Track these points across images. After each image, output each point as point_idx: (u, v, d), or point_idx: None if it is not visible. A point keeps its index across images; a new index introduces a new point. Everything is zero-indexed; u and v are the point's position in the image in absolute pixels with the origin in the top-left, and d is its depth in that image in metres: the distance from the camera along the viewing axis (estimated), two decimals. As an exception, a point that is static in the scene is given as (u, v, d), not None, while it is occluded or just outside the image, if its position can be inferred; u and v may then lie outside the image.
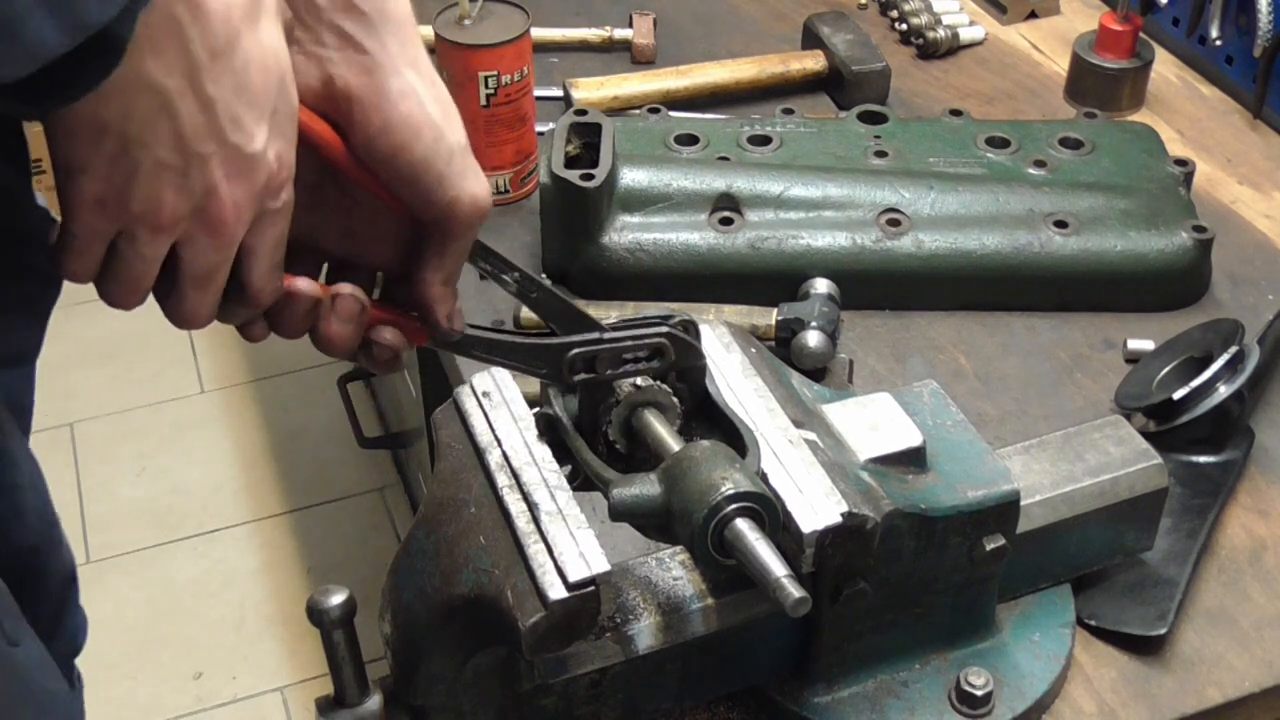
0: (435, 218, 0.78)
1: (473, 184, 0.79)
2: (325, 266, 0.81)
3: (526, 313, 1.31)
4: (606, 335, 0.87)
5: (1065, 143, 1.47)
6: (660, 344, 0.88)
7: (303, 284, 0.75)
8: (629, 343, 0.87)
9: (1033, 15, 1.85)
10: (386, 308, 0.80)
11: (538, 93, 1.57)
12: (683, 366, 0.89)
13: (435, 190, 0.77)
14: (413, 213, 0.78)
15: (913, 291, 1.37)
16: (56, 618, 1.13)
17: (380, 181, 0.77)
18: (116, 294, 0.71)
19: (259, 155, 0.69)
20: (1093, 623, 1.07)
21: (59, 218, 0.70)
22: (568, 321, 0.87)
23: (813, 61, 1.68)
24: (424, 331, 0.81)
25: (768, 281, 1.35)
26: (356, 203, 0.79)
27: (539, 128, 1.53)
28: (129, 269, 0.70)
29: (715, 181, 1.38)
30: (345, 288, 0.77)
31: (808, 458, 0.89)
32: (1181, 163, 1.45)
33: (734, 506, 0.79)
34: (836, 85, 1.67)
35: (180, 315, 0.73)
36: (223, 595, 2.43)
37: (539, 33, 1.70)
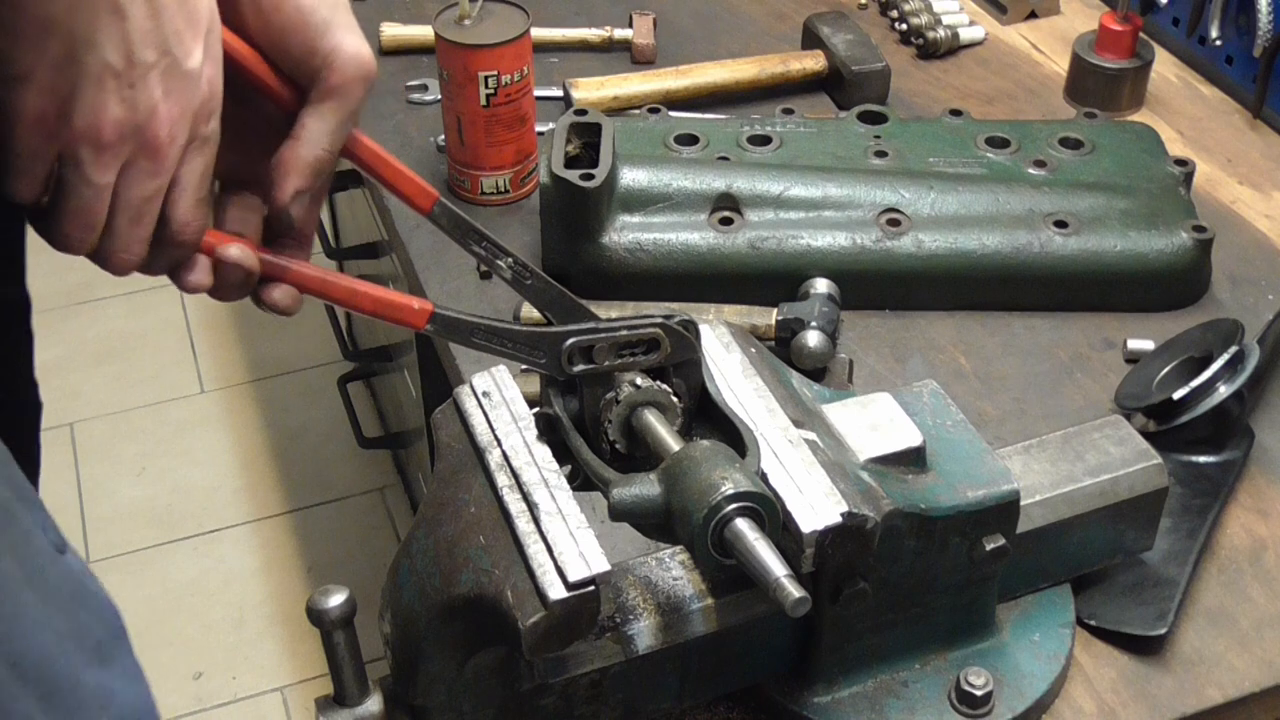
0: (315, 69, 0.75)
1: (355, 39, 0.77)
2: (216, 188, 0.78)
3: (526, 311, 1.31)
4: (603, 324, 0.87)
5: (1065, 143, 1.47)
6: (655, 335, 0.88)
7: (234, 251, 0.73)
8: (624, 332, 0.87)
9: (1033, 15, 1.85)
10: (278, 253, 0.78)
11: (538, 93, 1.57)
12: (678, 360, 0.90)
13: (317, 40, 0.75)
14: (295, 78, 0.76)
15: (913, 291, 1.37)
16: None
17: (262, 49, 0.75)
18: (69, 228, 0.68)
19: (195, 73, 0.68)
20: (1093, 623, 1.07)
21: None
22: (563, 310, 0.88)
23: (813, 61, 1.68)
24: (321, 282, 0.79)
25: (768, 281, 1.35)
26: (242, 105, 0.76)
27: (539, 128, 1.53)
28: (78, 198, 0.67)
29: (715, 181, 1.38)
30: (233, 252, 0.74)
31: (808, 458, 0.89)
32: (1181, 163, 1.45)
33: (734, 506, 0.79)
34: (836, 85, 1.67)
35: (112, 254, 0.70)
36: (223, 595, 2.43)
37: (539, 33, 1.70)
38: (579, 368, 0.87)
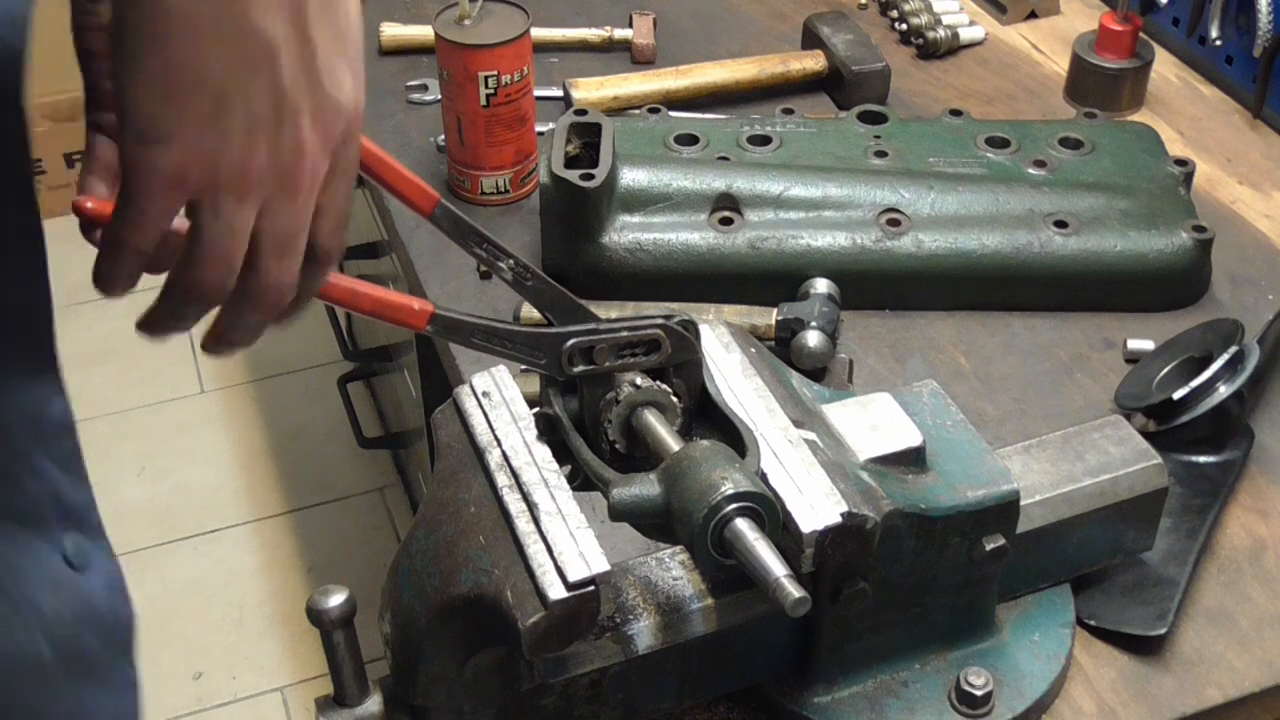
0: None
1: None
2: None
3: (527, 311, 1.31)
4: (603, 325, 0.87)
5: (1065, 143, 1.47)
6: (655, 336, 0.88)
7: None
8: (625, 333, 0.87)
9: (1033, 15, 1.85)
10: None
11: (538, 93, 1.57)
12: (679, 360, 0.90)
13: None
14: None
15: (913, 291, 1.37)
16: None
17: None
18: (204, 274, 0.64)
19: (345, 104, 0.65)
20: (1093, 623, 1.07)
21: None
22: (563, 311, 0.87)
23: (813, 61, 1.68)
24: None
25: (768, 281, 1.35)
26: None
27: (539, 128, 1.53)
28: (216, 245, 0.63)
29: (715, 181, 1.38)
30: None
31: (807, 458, 0.89)
32: (1181, 163, 1.45)
33: (733, 506, 0.79)
34: (836, 85, 1.67)
35: (262, 293, 0.66)
36: (223, 595, 2.43)
37: (539, 33, 1.70)
38: (579, 368, 0.87)
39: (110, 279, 0.65)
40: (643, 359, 0.88)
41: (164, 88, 0.59)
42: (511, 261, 0.86)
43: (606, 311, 1.27)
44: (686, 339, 0.89)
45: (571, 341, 0.86)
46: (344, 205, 0.68)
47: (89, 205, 0.66)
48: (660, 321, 0.88)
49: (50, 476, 0.79)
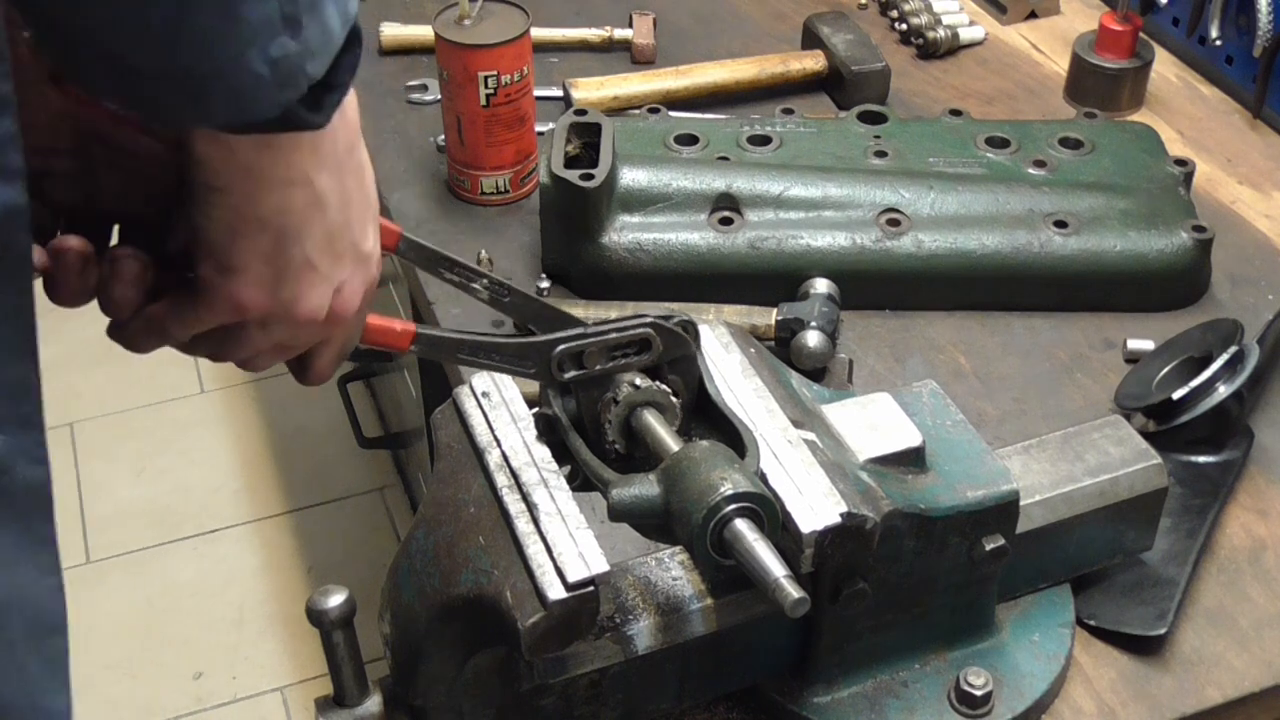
0: None
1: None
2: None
3: (526, 313, 1.31)
4: (591, 329, 0.87)
5: (1065, 143, 1.47)
6: (646, 335, 0.88)
7: (73, 241, 0.73)
8: (613, 335, 0.87)
9: (1033, 15, 1.85)
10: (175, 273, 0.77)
11: (538, 93, 1.57)
12: (672, 357, 0.89)
13: None
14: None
15: (912, 291, 1.37)
16: None
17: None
18: (223, 357, 0.74)
19: (372, 253, 0.75)
20: (1092, 623, 1.07)
21: None
22: (547, 322, 0.87)
23: (813, 61, 1.68)
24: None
25: (768, 281, 1.35)
26: (126, 154, 0.77)
27: (539, 128, 1.53)
28: (252, 352, 0.74)
29: (715, 181, 1.38)
30: (125, 249, 0.75)
31: (807, 458, 0.89)
32: (1181, 163, 1.45)
33: (733, 507, 0.79)
34: (836, 85, 1.67)
35: (248, 367, 0.76)
36: (223, 595, 2.43)
37: (539, 33, 1.70)
38: (571, 374, 0.87)
39: (140, 349, 0.75)
40: (635, 359, 0.88)
41: (234, 228, 0.69)
42: (485, 281, 0.85)
43: (606, 311, 1.28)
44: (678, 335, 0.89)
45: (560, 348, 0.86)
46: (348, 346, 0.79)
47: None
48: (649, 320, 0.88)
49: None
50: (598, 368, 0.87)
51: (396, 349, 0.83)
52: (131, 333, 0.74)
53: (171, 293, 0.73)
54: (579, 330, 0.87)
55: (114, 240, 0.76)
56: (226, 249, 0.70)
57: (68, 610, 0.82)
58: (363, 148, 0.74)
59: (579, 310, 1.30)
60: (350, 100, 0.70)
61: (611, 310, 1.29)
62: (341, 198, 0.71)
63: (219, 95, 0.63)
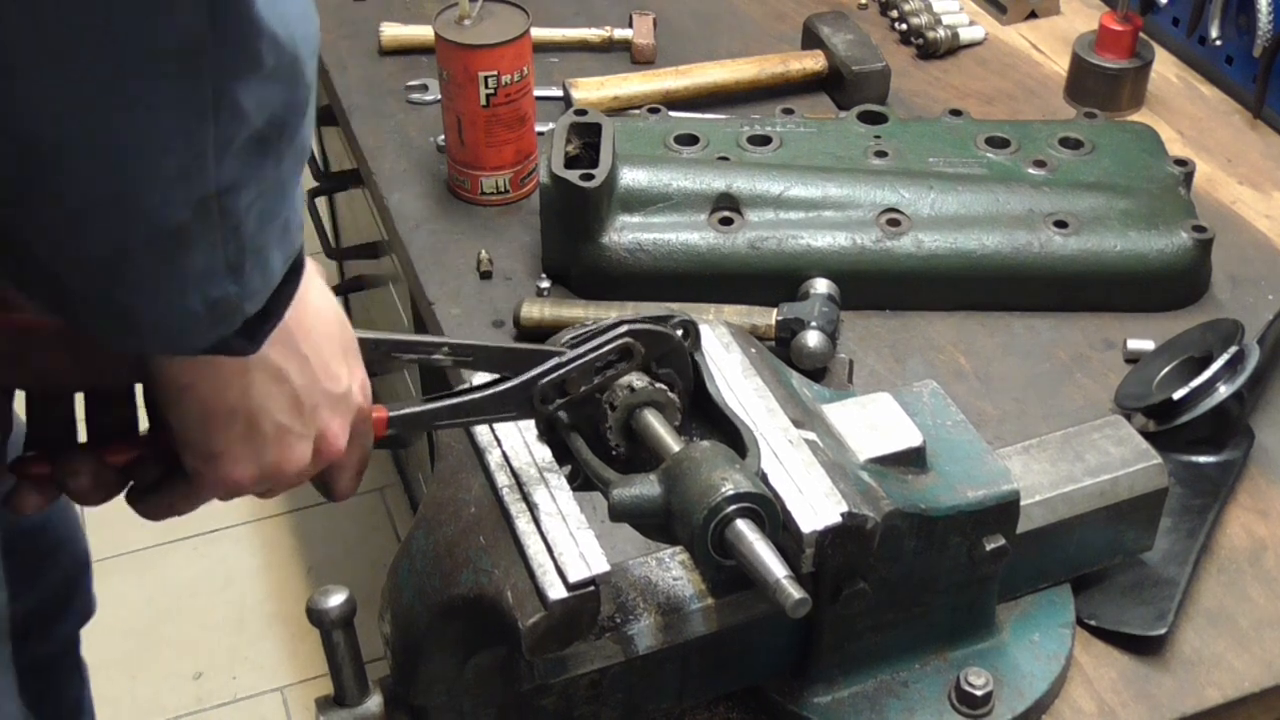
0: None
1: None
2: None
3: (527, 310, 1.31)
4: (567, 357, 0.87)
5: (1065, 143, 1.47)
6: (625, 345, 0.87)
7: (32, 466, 0.77)
8: (590, 356, 0.87)
9: (1033, 15, 1.85)
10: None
11: (538, 93, 1.57)
12: (659, 354, 0.89)
13: None
14: None
15: (913, 291, 1.37)
16: (66, 598, 1.19)
17: None
18: (225, 497, 0.80)
19: (348, 392, 0.79)
20: (1093, 623, 1.07)
21: None
22: (517, 363, 0.87)
23: (813, 61, 1.68)
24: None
25: (768, 281, 1.35)
26: (67, 339, 0.78)
27: (539, 128, 1.53)
28: (259, 497, 0.80)
29: (715, 181, 1.38)
30: (76, 459, 0.77)
31: (807, 458, 0.89)
32: (1181, 163, 1.45)
33: (734, 507, 0.79)
34: (836, 85, 1.67)
35: (264, 496, 0.82)
36: (223, 595, 2.43)
37: (539, 33, 1.70)
38: (557, 403, 0.87)
39: (154, 518, 0.81)
40: (620, 368, 0.88)
41: (205, 421, 0.73)
42: (445, 349, 0.86)
43: (606, 311, 1.28)
44: (658, 333, 0.88)
45: (540, 384, 0.86)
46: (359, 463, 0.84)
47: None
48: (625, 329, 0.87)
49: None
50: (582, 389, 0.87)
51: (375, 438, 0.84)
52: (145, 511, 0.80)
53: (168, 481, 0.78)
54: (553, 363, 0.86)
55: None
56: (204, 440, 0.74)
57: None
58: (316, 298, 0.76)
59: (579, 310, 1.31)
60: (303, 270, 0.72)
61: (612, 310, 1.29)
62: (300, 362, 0.74)
63: (151, 329, 0.65)
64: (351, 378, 0.79)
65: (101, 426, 0.79)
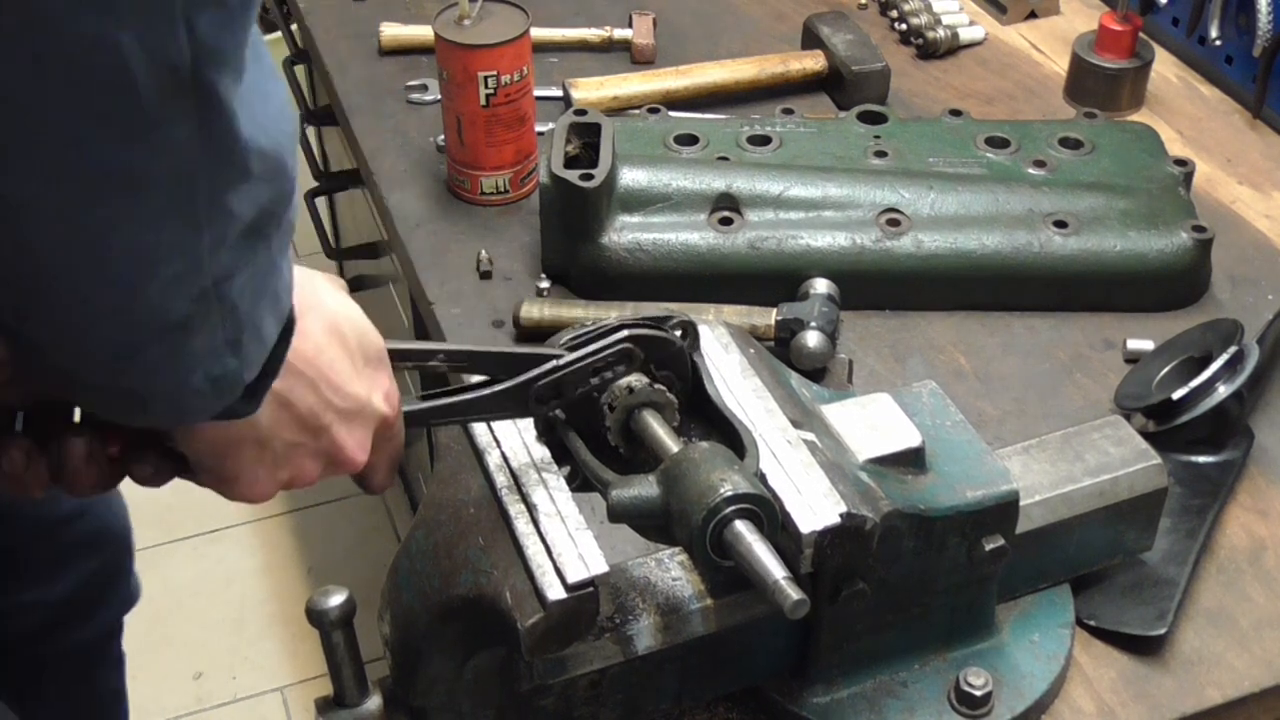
0: None
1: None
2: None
3: (526, 310, 1.31)
4: (565, 360, 0.87)
5: (1065, 143, 1.47)
6: (625, 350, 0.87)
7: (15, 443, 0.77)
8: (588, 360, 0.87)
9: (1033, 15, 1.85)
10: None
11: (538, 93, 1.57)
12: (658, 357, 0.89)
13: None
14: None
15: (912, 291, 1.37)
16: (108, 585, 1.23)
17: None
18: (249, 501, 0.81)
19: (366, 405, 0.80)
20: (1092, 623, 1.07)
21: None
22: (515, 366, 0.87)
23: (813, 61, 1.68)
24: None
25: (767, 281, 1.35)
26: None
27: (539, 128, 1.53)
28: (291, 492, 0.82)
29: (715, 181, 1.38)
30: (74, 438, 0.77)
31: (806, 458, 0.89)
32: (1181, 163, 1.45)
33: (732, 508, 0.79)
34: (836, 85, 1.67)
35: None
36: (223, 595, 2.43)
37: (539, 33, 1.70)
38: (554, 403, 0.87)
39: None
40: (620, 371, 0.88)
41: (217, 453, 0.75)
42: (440, 355, 0.87)
43: (606, 311, 1.28)
44: (657, 337, 0.88)
45: (536, 386, 0.86)
46: (392, 463, 0.86)
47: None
48: (625, 335, 0.87)
49: None
50: (578, 392, 0.87)
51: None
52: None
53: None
54: (550, 366, 0.86)
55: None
56: (218, 467, 0.76)
57: None
58: (323, 316, 0.78)
59: (579, 310, 1.31)
60: (308, 310, 0.75)
61: (612, 310, 1.29)
62: (306, 386, 0.76)
63: (158, 408, 0.69)
64: (373, 388, 0.81)
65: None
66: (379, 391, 0.82)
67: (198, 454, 0.76)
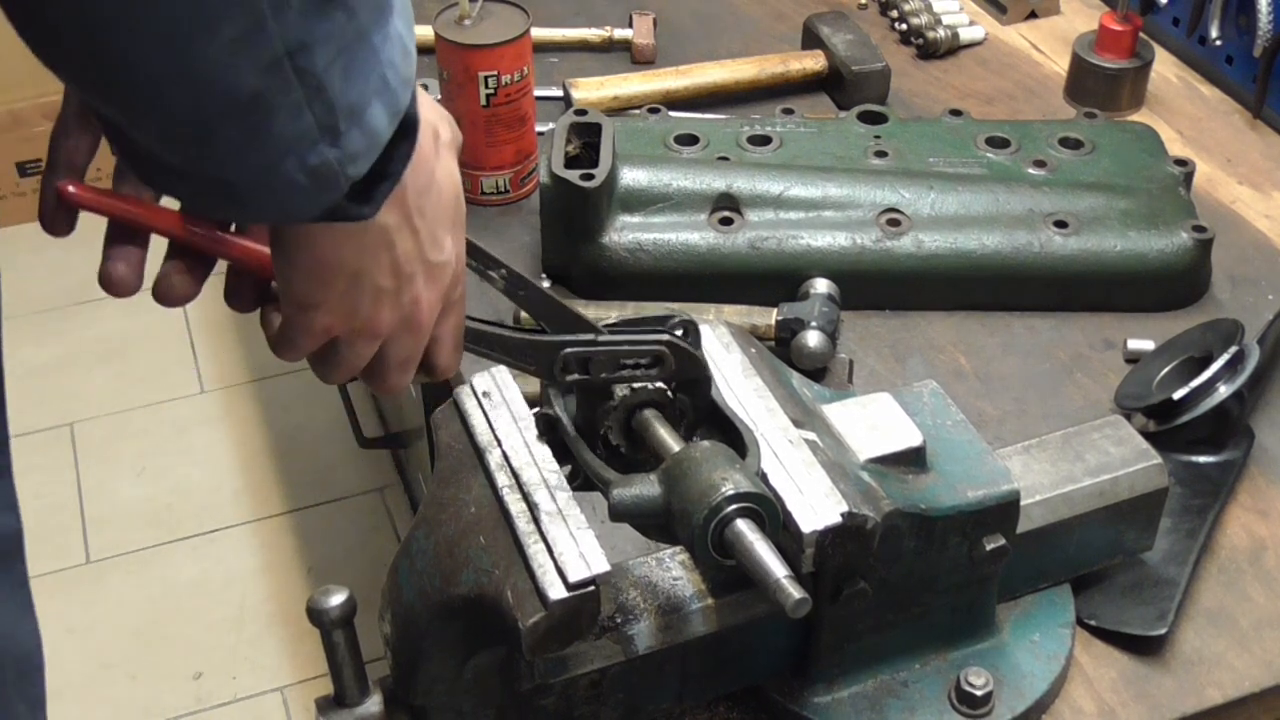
0: None
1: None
2: None
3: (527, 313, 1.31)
4: (602, 339, 0.86)
5: (1065, 143, 1.47)
6: (660, 352, 0.87)
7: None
8: (625, 348, 0.87)
9: (1033, 15, 1.85)
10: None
11: (538, 93, 1.57)
12: (684, 378, 0.88)
13: None
14: None
15: (913, 291, 1.37)
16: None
17: None
18: (330, 377, 0.79)
19: (449, 263, 0.78)
20: (1093, 623, 1.07)
21: None
22: (560, 322, 0.87)
23: (813, 61, 1.68)
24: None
25: (768, 281, 1.35)
26: None
27: (539, 128, 1.53)
28: (345, 364, 0.78)
29: (715, 181, 1.38)
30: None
31: (808, 458, 0.89)
32: (1181, 163, 1.45)
33: (734, 507, 0.79)
34: (836, 85, 1.67)
35: (384, 389, 0.81)
36: (223, 595, 2.43)
37: (539, 33, 1.70)
38: (574, 377, 0.87)
39: (317, 372, 0.81)
40: (644, 373, 0.87)
41: (313, 274, 0.72)
42: (504, 271, 0.85)
43: (607, 311, 1.28)
44: (694, 357, 0.88)
45: (566, 351, 0.86)
46: (457, 335, 0.82)
47: (70, 190, 0.73)
48: (666, 339, 0.87)
49: None
50: (602, 376, 0.87)
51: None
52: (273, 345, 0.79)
53: (268, 321, 0.78)
54: (589, 337, 0.86)
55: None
56: (306, 292, 0.73)
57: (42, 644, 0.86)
58: (442, 174, 0.75)
59: (579, 311, 1.30)
60: (422, 138, 0.71)
61: (612, 310, 1.29)
62: (410, 228, 0.73)
63: (255, 200, 0.65)
64: (454, 248, 0.78)
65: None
66: (459, 248, 0.79)
67: (292, 273, 0.72)
